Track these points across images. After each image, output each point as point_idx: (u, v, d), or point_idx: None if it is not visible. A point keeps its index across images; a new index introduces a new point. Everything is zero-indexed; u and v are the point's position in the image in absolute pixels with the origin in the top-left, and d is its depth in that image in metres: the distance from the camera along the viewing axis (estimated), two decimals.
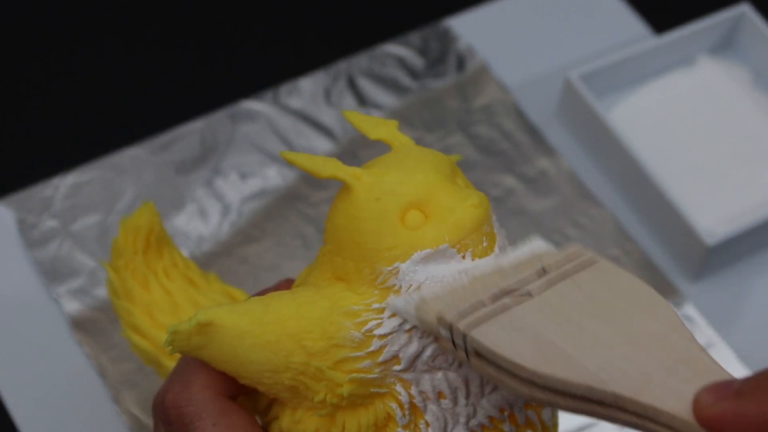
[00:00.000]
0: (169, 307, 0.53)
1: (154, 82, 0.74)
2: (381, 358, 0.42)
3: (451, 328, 0.40)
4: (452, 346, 0.40)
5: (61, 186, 0.68)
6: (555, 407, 0.39)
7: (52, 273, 0.65)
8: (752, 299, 0.67)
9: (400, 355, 0.42)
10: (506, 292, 0.41)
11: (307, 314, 0.43)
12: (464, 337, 0.39)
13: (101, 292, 0.64)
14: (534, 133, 0.72)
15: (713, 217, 0.68)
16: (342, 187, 0.44)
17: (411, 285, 0.42)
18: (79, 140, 0.71)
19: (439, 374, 0.43)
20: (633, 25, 0.77)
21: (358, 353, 0.42)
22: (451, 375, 0.42)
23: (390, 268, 0.42)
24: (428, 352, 0.42)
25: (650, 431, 0.37)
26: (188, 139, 0.71)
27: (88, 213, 0.67)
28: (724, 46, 0.75)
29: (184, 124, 0.71)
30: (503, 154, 0.71)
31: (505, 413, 0.43)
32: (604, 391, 0.37)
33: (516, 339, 0.39)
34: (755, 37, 0.73)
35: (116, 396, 0.61)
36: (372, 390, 0.43)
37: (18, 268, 0.66)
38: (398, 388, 0.43)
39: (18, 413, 0.61)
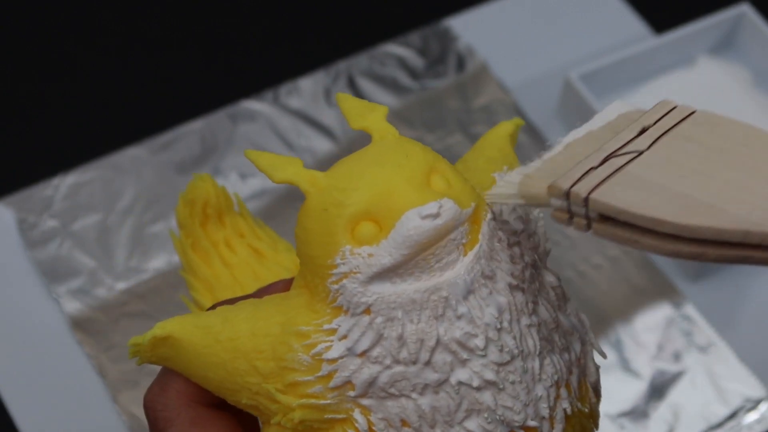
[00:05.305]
0: (230, 283, 0.50)
1: (154, 82, 0.74)
2: (332, 384, 0.38)
3: (568, 195, 0.36)
4: (567, 216, 0.36)
5: (61, 186, 0.68)
6: (702, 259, 0.34)
7: (52, 273, 0.65)
8: (752, 299, 0.67)
9: (353, 380, 0.38)
10: (612, 154, 0.37)
11: (260, 332, 0.39)
12: (586, 201, 0.35)
13: (101, 291, 0.64)
14: (534, 133, 0.72)
15: None
16: None
17: (359, 307, 0.38)
18: (79, 140, 0.71)
19: (401, 401, 0.38)
20: (633, 25, 0.77)
21: (308, 377, 0.39)
22: (411, 404, 0.38)
23: (337, 287, 0.38)
24: (384, 378, 0.38)
25: None
26: (188, 139, 0.71)
27: (88, 213, 0.67)
28: (724, 46, 0.75)
29: (184, 124, 0.71)
30: None
31: None
32: (765, 233, 0.33)
33: (645, 195, 0.35)
34: (755, 37, 0.73)
35: (116, 396, 0.61)
36: (327, 416, 0.39)
37: (18, 268, 0.66)
38: (356, 414, 0.39)
39: (18, 413, 0.61)
